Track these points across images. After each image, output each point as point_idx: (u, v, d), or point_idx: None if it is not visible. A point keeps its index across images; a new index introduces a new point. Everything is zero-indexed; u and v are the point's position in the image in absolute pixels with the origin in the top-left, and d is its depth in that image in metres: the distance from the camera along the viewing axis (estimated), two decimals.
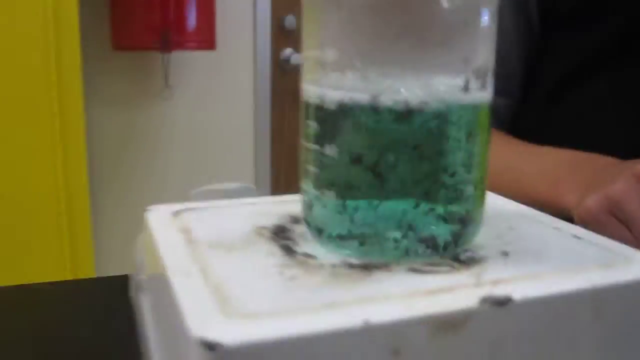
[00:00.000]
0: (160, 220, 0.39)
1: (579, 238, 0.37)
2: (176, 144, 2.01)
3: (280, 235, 0.36)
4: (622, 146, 0.79)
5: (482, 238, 0.36)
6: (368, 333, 0.26)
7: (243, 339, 0.24)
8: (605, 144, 0.83)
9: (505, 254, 0.34)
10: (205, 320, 0.26)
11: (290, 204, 0.42)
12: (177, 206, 0.41)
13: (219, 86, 1.98)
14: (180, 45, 1.85)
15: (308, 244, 0.35)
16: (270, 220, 0.39)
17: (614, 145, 0.81)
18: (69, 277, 1.65)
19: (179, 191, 1.97)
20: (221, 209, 0.42)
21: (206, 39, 1.89)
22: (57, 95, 1.60)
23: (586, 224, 0.63)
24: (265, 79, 2.12)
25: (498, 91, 0.93)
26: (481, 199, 0.34)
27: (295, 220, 0.39)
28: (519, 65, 0.89)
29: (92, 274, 1.70)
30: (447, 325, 0.27)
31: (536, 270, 0.31)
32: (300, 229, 0.37)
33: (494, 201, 0.44)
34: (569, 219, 0.66)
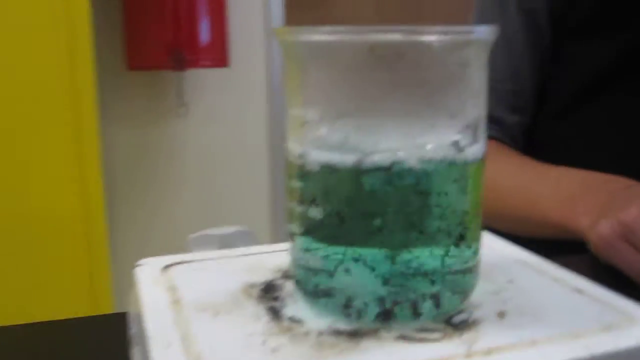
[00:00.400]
0: (149, 276, 0.38)
1: (580, 292, 0.35)
2: (191, 161, 2.01)
3: (268, 295, 0.35)
4: (636, 161, 0.77)
5: (479, 294, 0.35)
6: None
7: None
8: (619, 159, 0.81)
9: (501, 315, 0.32)
10: None
11: (284, 255, 0.41)
12: (168, 259, 0.41)
13: (232, 103, 1.98)
14: (194, 63, 1.86)
15: (296, 305, 0.34)
16: (262, 276, 0.38)
17: (628, 161, 0.79)
18: (86, 296, 1.65)
19: (194, 208, 1.97)
20: (211, 263, 0.41)
21: (219, 57, 1.89)
22: (72, 116, 1.60)
23: (600, 250, 0.61)
24: (279, 95, 2.12)
25: (510, 108, 0.92)
26: (476, 255, 0.33)
27: (286, 275, 0.38)
28: (530, 81, 0.87)
29: (109, 292, 1.70)
30: None
31: (532, 335, 0.30)
32: (290, 286, 0.36)
33: (493, 246, 0.43)
34: (582, 241, 0.65)
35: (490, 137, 0.85)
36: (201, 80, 2.00)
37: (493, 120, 0.85)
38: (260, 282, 0.37)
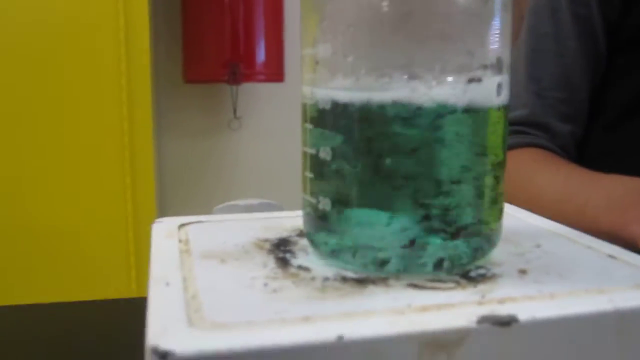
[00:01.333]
0: (164, 232, 0.37)
1: (614, 258, 0.33)
2: (243, 174, 2.03)
3: (281, 248, 0.34)
4: None
5: (501, 255, 0.33)
6: (342, 350, 0.23)
7: (197, 349, 0.22)
8: None
9: (523, 272, 0.30)
10: (166, 329, 0.24)
11: None
12: (185, 219, 0.40)
13: (287, 117, 1.98)
14: (250, 77, 1.88)
15: (307, 257, 0.32)
16: (277, 234, 0.37)
17: None
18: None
19: None
20: (230, 222, 0.40)
21: (275, 72, 1.90)
22: (128, 126, 1.64)
23: None
24: None
25: (561, 117, 0.89)
26: (496, 210, 0.31)
27: (303, 233, 0.37)
28: (583, 90, 0.84)
29: None
30: (438, 345, 0.24)
31: (553, 290, 0.28)
32: (305, 242, 0.35)
33: (523, 217, 0.40)
34: (635, 250, 0.61)
35: (539, 145, 0.83)
36: (255, 94, 2.02)
37: (542, 128, 0.83)
38: (274, 238, 0.36)
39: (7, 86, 1.58)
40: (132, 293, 1.64)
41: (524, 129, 0.83)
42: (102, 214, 1.65)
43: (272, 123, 2.00)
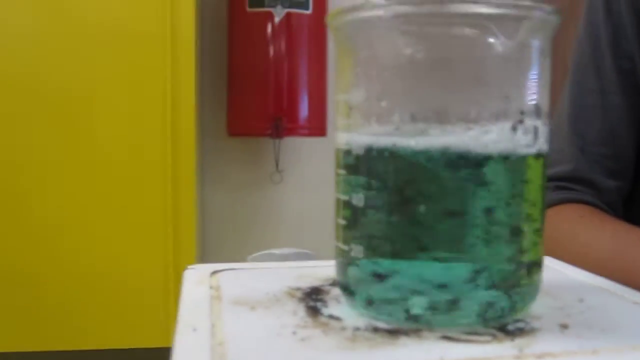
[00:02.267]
0: (196, 278, 0.37)
1: None
2: (284, 227, 2.02)
3: (312, 296, 0.33)
4: None
5: (541, 308, 0.31)
6: None
7: None
8: None
9: (564, 326, 0.29)
10: None
11: None
12: (218, 266, 0.40)
13: (328, 171, 1.99)
14: (292, 132, 1.89)
15: (338, 306, 0.32)
16: (310, 283, 0.36)
17: None
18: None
19: None
20: (263, 271, 0.39)
21: (317, 126, 1.92)
22: (172, 177, 1.66)
23: None
24: None
25: (607, 172, 0.87)
26: (535, 260, 0.30)
27: (336, 283, 0.36)
28: (631, 147, 0.82)
29: None
30: None
31: (596, 346, 0.26)
32: (337, 291, 0.34)
33: (565, 271, 0.39)
34: None
35: (585, 201, 0.81)
36: (297, 148, 2.03)
37: (587, 184, 0.81)
38: (306, 286, 0.35)
39: (55, 137, 1.63)
40: (171, 342, 1.64)
41: (568, 184, 0.81)
42: (144, 263, 1.67)
43: (314, 176, 2.01)
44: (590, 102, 0.82)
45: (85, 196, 1.64)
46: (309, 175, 2.02)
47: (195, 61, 1.70)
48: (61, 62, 1.63)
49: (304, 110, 1.93)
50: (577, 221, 0.78)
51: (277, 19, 1.90)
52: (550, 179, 0.80)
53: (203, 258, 1.93)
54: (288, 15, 1.91)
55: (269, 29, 1.90)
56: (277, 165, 1.97)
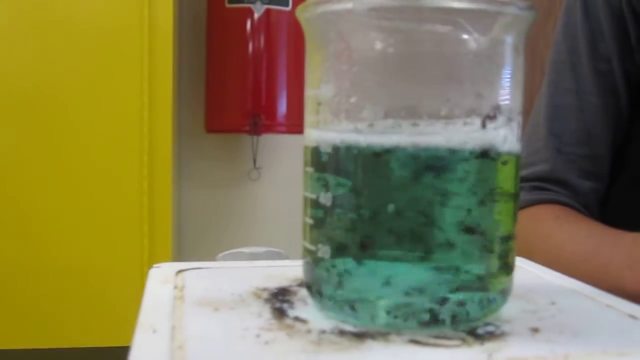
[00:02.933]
0: (161, 277, 0.36)
1: (635, 318, 0.30)
2: (262, 223, 2.01)
3: (279, 297, 0.32)
4: None
5: (512, 311, 0.30)
6: None
7: None
8: None
9: (535, 330, 0.28)
10: None
11: None
12: (184, 265, 0.38)
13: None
14: (270, 128, 1.88)
15: (305, 308, 0.31)
16: (277, 283, 0.35)
17: None
18: None
19: None
20: (230, 270, 0.38)
21: (296, 123, 1.91)
22: (148, 173, 1.64)
23: None
24: None
25: (583, 173, 0.87)
26: (505, 263, 0.29)
27: (303, 283, 0.35)
28: (606, 147, 0.82)
29: None
30: None
31: (567, 350, 0.26)
32: (305, 292, 0.33)
33: (538, 273, 0.38)
34: None
35: (560, 202, 0.80)
36: (275, 145, 2.02)
37: (563, 185, 0.81)
38: (274, 287, 0.34)
39: (31, 135, 1.60)
40: None
41: (544, 185, 0.81)
42: (119, 260, 1.65)
43: (292, 174, 1.99)
44: (566, 103, 0.82)
45: (61, 193, 1.62)
46: (287, 173, 2.01)
47: (173, 57, 1.69)
48: (37, 58, 1.60)
49: (282, 107, 1.92)
50: (553, 222, 0.78)
51: (256, 15, 1.89)
52: (526, 179, 0.79)
53: (179, 255, 1.92)
54: (267, 11, 1.90)
55: (248, 25, 1.89)
56: (254, 162, 1.96)
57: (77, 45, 1.61)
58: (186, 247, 1.98)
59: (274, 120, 1.90)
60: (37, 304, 1.61)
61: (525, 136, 0.83)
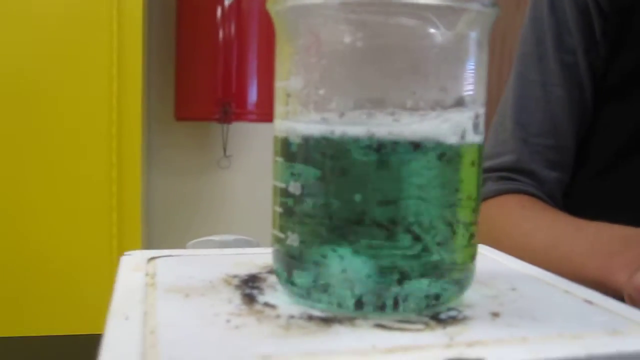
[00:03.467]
0: (132, 265, 0.36)
1: (590, 303, 0.32)
2: (232, 212, 2.01)
3: (249, 284, 0.33)
4: None
5: (474, 297, 0.32)
6: None
7: None
8: None
9: (495, 315, 0.29)
10: None
11: None
12: (155, 252, 0.39)
13: None
14: (241, 117, 1.88)
15: (274, 294, 0.31)
16: (247, 270, 0.36)
17: None
18: None
19: None
20: (201, 257, 0.39)
21: (266, 112, 1.91)
22: (117, 161, 1.63)
23: (635, 302, 0.57)
24: None
25: (548, 163, 0.89)
26: (468, 250, 0.30)
27: (273, 270, 0.36)
28: (570, 137, 0.84)
29: None
30: None
31: (526, 334, 0.27)
32: (274, 279, 0.34)
33: (499, 259, 0.40)
34: (621, 297, 0.60)
35: (526, 192, 0.82)
36: (245, 134, 2.02)
37: (528, 175, 0.82)
38: (244, 274, 0.35)
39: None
40: None
41: (510, 175, 0.82)
42: (88, 248, 1.64)
43: (262, 162, 2.00)
44: (533, 94, 0.83)
45: (29, 181, 1.60)
46: (257, 161, 2.01)
47: (143, 44, 1.67)
48: (3, 45, 1.58)
49: (252, 95, 1.92)
50: (518, 211, 0.80)
51: (227, 2, 1.88)
52: (493, 169, 0.81)
53: (148, 243, 1.91)
54: None
55: (219, 12, 1.88)
56: (224, 150, 1.96)
57: (44, 31, 1.59)
58: (155, 235, 1.98)
59: (244, 109, 1.90)
60: (5, 292, 1.60)
61: (492, 127, 0.84)
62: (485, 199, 0.81)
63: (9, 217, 1.60)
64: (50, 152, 1.61)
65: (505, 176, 0.83)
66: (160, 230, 1.99)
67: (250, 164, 2.01)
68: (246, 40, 1.91)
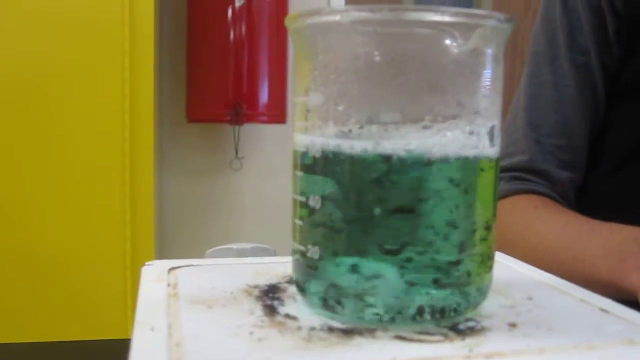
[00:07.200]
0: (154, 275, 0.37)
1: (606, 312, 0.32)
2: (244, 214, 2.02)
3: (270, 295, 0.34)
4: None
5: (491, 307, 0.32)
6: None
7: None
8: None
9: (513, 325, 0.30)
10: None
11: None
12: (176, 262, 0.40)
13: (288, 158, 1.99)
14: (252, 118, 1.89)
15: (295, 305, 0.32)
16: (267, 280, 0.37)
17: None
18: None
19: None
20: (221, 267, 0.40)
21: (278, 114, 1.92)
22: (130, 164, 1.65)
23: None
24: None
25: (561, 164, 0.89)
26: (486, 262, 0.31)
27: (293, 281, 0.36)
28: (584, 138, 0.84)
29: None
30: None
31: (543, 345, 0.27)
32: (295, 289, 0.34)
33: (516, 268, 0.40)
34: (634, 300, 0.60)
35: (539, 192, 0.82)
36: (257, 135, 2.03)
37: (541, 175, 0.82)
38: (264, 284, 0.36)
39: (11, 125, 1.59)
40: (128, 334, 1.63)
41: (523, 175, 0.83)
42: (101, 252, 1.65)
43: (273, 164, 2.01)
44: (545, 94, 0.84)
45: (43, 183, 1.62)
46: (269, 163, 2.02)
47: (155, 46, 1.68)
48: (18, 50, 1.59)
49: (264, 96, 1.92)
50: (531, 212, 0.80)
51: (237, 4, 1.89)
52: (506, 169, 0.81)
53: (161, 246, 1.92)
54: (249, 0, 1.90)
55: (230, 13, 1.89)
56: (236, 152, 1.97)
57: (57, 34, 1.60)
58: (168, 238, 1.99)
59: (255, 110, 1.91)
60: (17, 297, 1.61)
61: (505, 127, 0.85)
62: (498, 199, 0.81)
63: (22, 221, 1.61)
64: (63, 155, 1.62)
65: (518, 176, 0.83)
66: (173, 232, 2.00)
67: (262, 165, 2.02)
68: (257, 41, 1.91)
